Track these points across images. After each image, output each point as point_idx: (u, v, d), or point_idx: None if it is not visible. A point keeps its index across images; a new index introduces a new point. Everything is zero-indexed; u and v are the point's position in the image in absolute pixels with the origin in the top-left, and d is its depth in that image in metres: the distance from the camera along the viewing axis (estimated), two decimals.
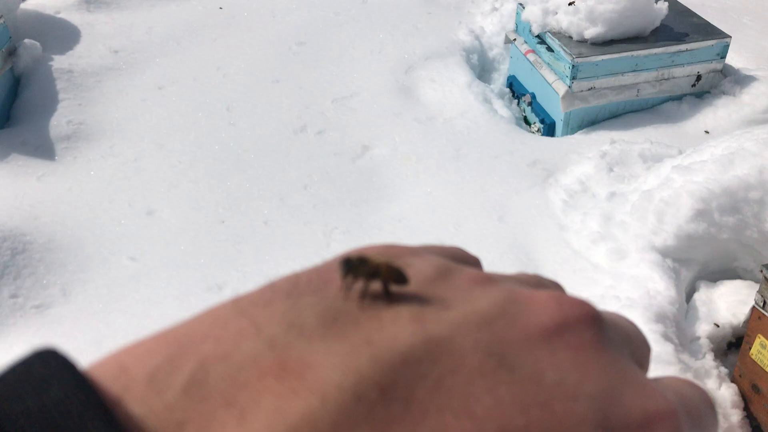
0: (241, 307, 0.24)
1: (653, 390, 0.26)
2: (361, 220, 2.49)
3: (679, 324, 2.08)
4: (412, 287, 0.27)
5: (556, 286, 0.33)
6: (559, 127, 3.07)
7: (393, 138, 2.92)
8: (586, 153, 2.77)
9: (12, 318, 2.11)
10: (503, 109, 3.25)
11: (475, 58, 3.60)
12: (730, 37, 3.09)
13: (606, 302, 2.08)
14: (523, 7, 3.25)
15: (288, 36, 3.66)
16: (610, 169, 2.66)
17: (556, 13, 3.06)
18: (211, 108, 3.11)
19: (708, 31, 3.10)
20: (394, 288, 0.27)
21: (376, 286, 0.27)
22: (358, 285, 0.26)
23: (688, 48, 3.03)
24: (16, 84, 3.22)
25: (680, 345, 1.99)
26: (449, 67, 3.40)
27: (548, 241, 2.39)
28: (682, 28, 3.11)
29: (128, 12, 3.81)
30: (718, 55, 3.10)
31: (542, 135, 3.12)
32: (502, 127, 3.02)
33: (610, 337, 0.27)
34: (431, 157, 2.82)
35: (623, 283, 2.17)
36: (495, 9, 3.97)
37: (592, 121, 3.07)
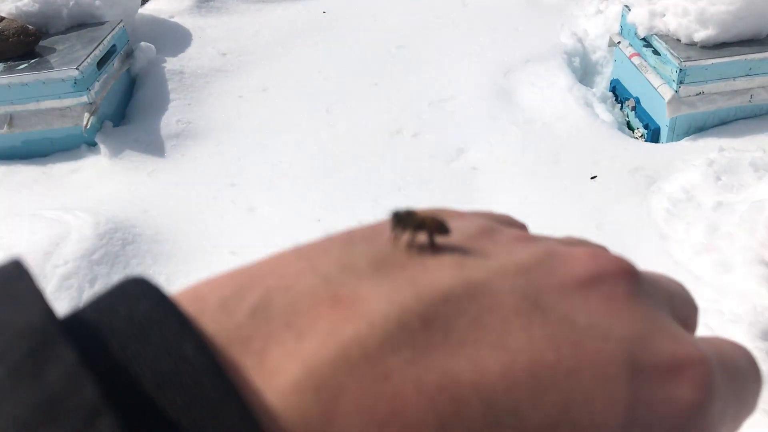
0: (301, 252, 0.27)
1: (685, 339, 0.26)
2: None
3: None
4: (455, 241, 0.29)
5: (599, 248, 0.33)
6: (664, 133, 2.97)
7: (489, 141, 2.90)
8: (692, 160, 2.67)
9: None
10: (605, 113, 3.16)
11: (577, 61, 3.53)
12: None
13: (709, 316, 2.00)
14: (629, 9, 3.17)
15: (388, 39, 3.70)
16: (718, 178, 2.55)
17: (664, 15, 2.96)
18: (311, 109, 3.19)
19: None
20: (439, 240, 0.29)
21: (422, 237, 0.29)
22: (406, 235, 0.28)
23: None
24: (132, 84, 3.41)
25: None
26: (550, 71, 3.34)
27: (649, 251, 2.31)
28: None
29: (236, 16, 3.96)
30: None
31: (646, 141, 3.03)
32: (603, 132, 2.95)
33: (645, 291, 0.28)
34: (528, 162, 2.78)
35: (728, 297, 2.08)
36: (599, 11, 3.87)
37: (700, 128, 2.95)
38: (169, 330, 0.20)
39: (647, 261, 2.27)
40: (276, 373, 0.20)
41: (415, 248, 0.28)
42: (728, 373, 0.27)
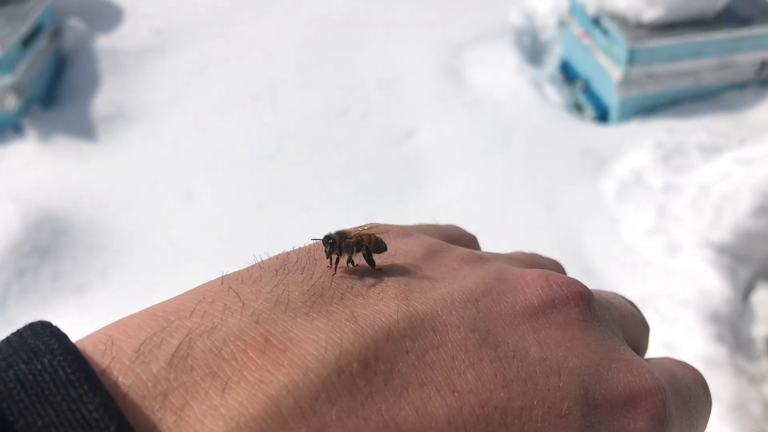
0: (228, 283, 0.24)
1: (640, 367, 0.25)
2: (403, 207, 2.44)
3: (734, 325, 2.02)
4: (399, 263, 0.27)
5: (555, 265, 0.33)
6: (613, 114, 2.97)
7: (438, 122, 2.86)
8: (641, 142, 2.68)
9: (53, 299, 2.14)
10: (555, 94, 3.16)
11: (526, 40, 3.50)
12: None
13: (658, 300, 2.03)
14: None
15: (333, 16, 3.61)
16: (666, 160, 2.56)
17: None
18: (252, 90, 3.10)
19: None
20: (380, 262, 0.27)
21: (359, 258, 0.27)
22: (342, 260, 0.27)
23: (753, 33, 2.89)
24: (61, 64, 3.26)
25: (735, 347, 1.93)
26: (499, 50, 3.31)
27: (599, 234, 2.32)
28: (747, 11, 2.97)
29: None
30: None
31: (595, 122, 3.03)
32: (553, 113, 2.94)
33: (599, 316, 0.27)
34: (478, 143, 2.75)
35: (676, 281, 2.10)
36: None
37: (649, 109, 2.96)
38: (73, 391, 0.18)
39: (597, 244, 2.28)
40: None
41: (356, 273, 0.26)
42: (681, 398, 0.27)
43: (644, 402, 0.24)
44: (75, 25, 3.32)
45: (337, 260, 0.27)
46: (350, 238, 0.28)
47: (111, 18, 3.52)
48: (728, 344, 1.90)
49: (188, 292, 0.25)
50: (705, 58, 2.90)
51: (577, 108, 3.21)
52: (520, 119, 2.89)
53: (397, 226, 0.31)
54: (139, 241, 2.35)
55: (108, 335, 0.22)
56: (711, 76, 2.95)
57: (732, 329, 1.99)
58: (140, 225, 2.41)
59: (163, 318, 0.22)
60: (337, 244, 0.27)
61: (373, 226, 0.31)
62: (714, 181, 2.32)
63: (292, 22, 3.57)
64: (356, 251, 0.27)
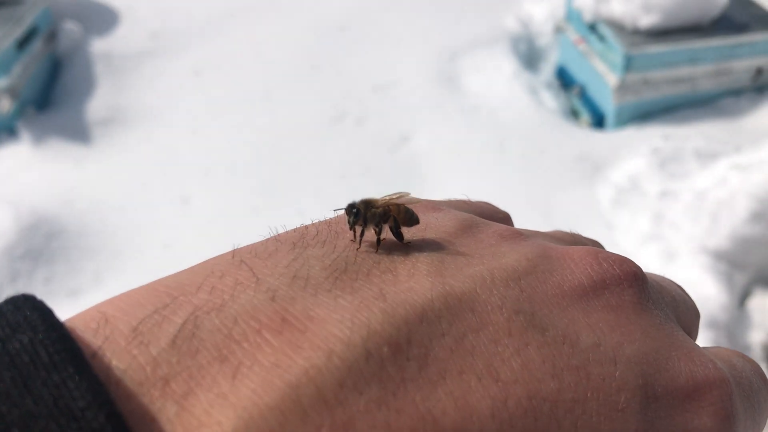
0: (240, 257, 0.22)
1: (702, 356, 0.23)
2: None
3: (731, 331, 2.01)
4: (430, 237, 0.24)
5: (594, 244, 0.30)
6: (609, 120, 2.97)
7: (434, 128, 2.86)
8: (637, 148, 2.68)
9: (46, 303, 2.12)
10: (551, 100, 3.16)
11: (522, 46, 3.51)
12: None
13: None
14: None
15: (329, 21, 3.61)
16: (663, 166, 2.57)
17: (609, 0, 2.95)
18: (248, 94, 3.09)
19: None
20: (410, 235, 0.24)
21: (387, 231, 0.24)
22: (369, 231, 0.24)
23: (749, 40, 2.90)
24: (57, 67, 3.24)
25: None
26: (495, 56, 3.31)
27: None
28: (743, 18, 2.98)
29: None
30: None
31: (592, 128, 3.03)
32: (549, 120, 2.94)
33: (653, 299, 0.24)
34: (474, 149, 2.75)
35: None
36: None
37: (645, 115, 2.96)
38: (56, 374, 0.15)
39: None
40: (203, 427, 0.16)
41: (383, 248, 0.24)
42: (744, 392, 0.24)
43: (708, 395, 0.22)
44: (70, 28, 3.30)
45: (362, 233, 0.24)
46: (377, 208, 0.25)
47: (107, 21, 3.51)
48: None
49: (195, 266, 0.22)
50: (701, 64, 2.90)
51: (574, 114, 3.22)
52: (517, 125, 2.89)
53: (425, 200, 0.28)
54: (133, 244, 2.33)
55: (102, 312, 0.19)
56: (707, 82, 2.95)
57: (729, 335, 1.98)
58: (135, 228, 2.39)
59: (165, 294, 0.20)
60: (362, 214, 0.25)
61: (401, 195, 0.28)
62: (710, 188, 2.31)
63: (288, 26, 3.57)
64: (383, 223, 0.25)
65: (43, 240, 2.29)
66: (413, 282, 0.21)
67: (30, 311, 0.18)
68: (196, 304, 0.19)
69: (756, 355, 2.01)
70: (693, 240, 2.22)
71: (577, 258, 0.24)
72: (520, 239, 0.25)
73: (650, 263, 2.23)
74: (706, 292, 2.06)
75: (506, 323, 0.20)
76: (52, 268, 2.22)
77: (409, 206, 0.27)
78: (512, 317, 0.21)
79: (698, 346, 0.24)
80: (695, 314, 0.29)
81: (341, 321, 0.19)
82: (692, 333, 0.28)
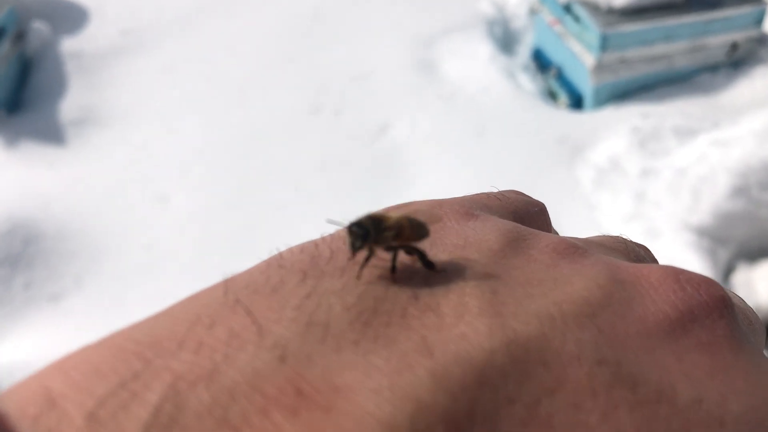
0: (235, 293, 0.16)
1: None
2: (380, 203, 2.40)
3: None
4: (474, 261, 0.19)
5: (647, 253, 0.26)
6: (587, 100, 2.97)
7: (413, 117, 2.84)
8: (616, 128, 2.68)
9: (26, 309, 2.10)
10: (528, 83, 3.15)
11: (498, 30, 3.49)
12: None
13: None
14: None
15: (301, 12, 3.57)
16: (642, 145, 2.57)
17: None
18: (222, 89, 3.05)
19: None
20: (448, 258, 0.19)
21: (405, 256, 0.19)
22: (394, 260, 0.18)
23: (723, 15, 2.90)
24: (26, 68, 3.18)
25: None
26: (471, 41, 3.29)
27: (577, 222, 2.31)
28: None
29: None
30: (754, 22, 2.97)
31: (570, 109, 3.02)
32: (527, 103, 2.93)
33: (743, 329, 0.20)
34: (453, 135, 2.73)
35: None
36: None
37: (623, 95, 2.97)
38: None
39: (576, 233, 2.27)
40: None
41: (405, 274, 0.18)
42: None
43: None
44: (39, 27, 3.24)
45: (367, 259, 0.19)
46: (389, 229, 0.19)
47: (76, 20, 3.45)
48: None
49: (174, 307, 0.17)
50: (677, 41, 2.91)
51: (551, 96, 3.21)
52: (495, 109, 2.87)
53: (451, 201, 0.22)
54: (113, 246, 2.30)
55: (46, 388, 0.14)
56: (683, 59, 2.96)
57: None
58: (114, 229, 2.36)
59: (134, 355, 0.15)
60: (372, 236, 0.19)
61: (410, 206, 0.23)
62: (690, 165, 2.32)
63: (260, 19, 3.52)
64: (397, 243, 0.19)
65: (20, 245, 2.25)
66: (464, 326, 0.16)
67: None
68: (177, 372, 0.14)
69: None
70: (675, 217, 2.22)
71: (656, 282, 0.19)
72: (579, 255, 0.20)
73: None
74: (690, 268, 2.04)
75: (588, 379, 0.16)
76: (31, 274, 2.18)
77: (433, 214, 0.22)
78: (594, 370, 0.16)
79: None
80: (764, 332, 0.24)
81: (378, 391, 0.14)
82: None
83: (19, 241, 2.26)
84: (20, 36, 3.20)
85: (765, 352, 0.22)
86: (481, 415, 0.14)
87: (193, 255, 2.24)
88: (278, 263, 0.18)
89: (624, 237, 0.26)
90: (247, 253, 2.31)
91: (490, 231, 0.21)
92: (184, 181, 2.57)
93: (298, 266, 0.18)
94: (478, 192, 0.25)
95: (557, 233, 0.26)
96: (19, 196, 2.46)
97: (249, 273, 0.18)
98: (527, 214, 0.25)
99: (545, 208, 0.27)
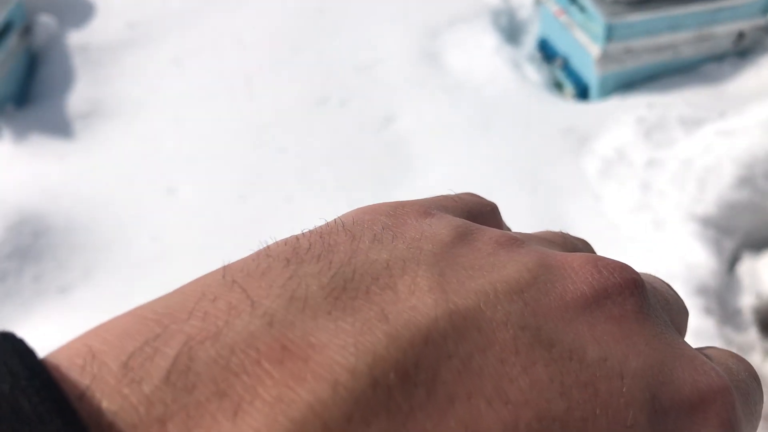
0: (232, 276, 0.20)
1: (704, 364, 0.23)
2: (386, 195, 2.42)
3: (721, 296, 2.03)
4: (428, 251, 0.23)
5: (585, 245, 0.30)
6: (593, 91, 2.97)
7: (418, 108, 2.84)
8: (622, 118, 2.67)
9: (36, 301, 2.12)
10: (534, 73, 3.15)
11: (503, 20, 3.48)
12: None
13: None
14: None
15: (307, 4, 3.57)
16: (648, 135, 2.57)
17: None
18: (229, 81, 3.06)
19: None
20: (408, 248, 0.24)
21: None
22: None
23: (729, 4, 2.89)
24: (33, 62, 3.20)
25: (723, 318, 1.94)
26: (476, 31, 3.29)
27: (583, 213, 2.32)
28: None
29: None
30: (761, 10, 2.95)
31: (576, 100, 3.02)
32: (533, 93, 2.93)
33: (652, 306, 0.23)
34: (459, 128, 2.73)
35: (663, 255, 2.10)
36: None
37: (629, 84, 2.96)
38: (43, 429, 0.14)
39: (582, 223, 2.28)
40: None
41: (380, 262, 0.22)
42: (743, 398, 0.24)
43: (713, 405, 0.21)
44: (46, 21, 3.25)
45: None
46: None
47: (82, 13, 3.46)
48: (716, 316, 1.91)
49: (183, 287, 0.20)
50: (683, 31, 2.89)
51: (557, 86, 3.21)
52: (501, 100, 2.88)
53: (412, 202, 0.26)
54: (121, 237, 2.32)
55: (88, 346, 0.17)
56: (689, 48, 2.95)
57: (719, 301, 2.00)
58: (122, 222, 2.38)
59: (155, 321, 0.18)
60: None
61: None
62: (696, 155, 2.32)
63: (266, 10, 3.53)
64: None
65: (29, 238, 2.27)
66: (415, 300, 0.20)
67: (9, 354, 0.16)
68: (189, 333, 0.17)
69: (746, 319, 2.02)
70: (681, 208, 2.23)
71: (577, 266, 0.23)
72: (516, 245, 0.24)
73: (639, 232, 2.24)
74: (696, 258, 2.07)
75: (512, 340, 0.19)
76: (40, 266, 2.20)
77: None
78: (518, 333, 0.20)
79: (698, 352, 0.24)
80: (686, 314, 0.28)
81: (344, 347, 0.17)
82: (682, 334, 0.27)
83: (28, 234, 2.28)
84: (27, 30, 3.21)
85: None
86: (425, 365, 0.17)
87: (201, 247, 2.26)
88: (266, 253, 0.22)
89: (565, 233, 0.30)
90: (254, 244, 2.30)
91: (444, 227, 0.24)
92: (191, 173, 2.59)
93: (283, 255, 0.21)
94: (440, 194, 0.30)
95: (509, 229, 0.30)
96: (28, 189, 2.48)
97: (243, 261, 0.21)
98: (480, 214, 0.29)
99: (497, 207, 0.31)
